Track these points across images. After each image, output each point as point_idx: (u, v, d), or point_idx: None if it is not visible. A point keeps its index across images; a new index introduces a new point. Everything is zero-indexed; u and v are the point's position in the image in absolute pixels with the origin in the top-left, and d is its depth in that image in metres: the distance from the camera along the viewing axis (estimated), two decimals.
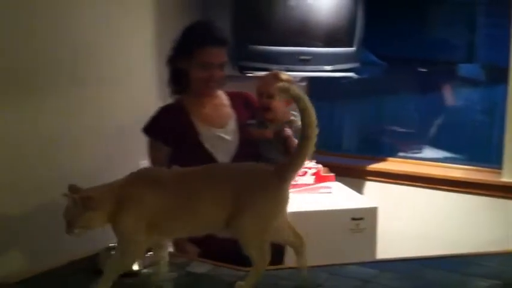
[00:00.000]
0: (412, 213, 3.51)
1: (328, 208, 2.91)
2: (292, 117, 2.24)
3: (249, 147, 2.25)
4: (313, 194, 3.07)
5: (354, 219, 2.89)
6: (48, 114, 2.40)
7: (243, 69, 3.01)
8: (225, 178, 1.68)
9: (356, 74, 3.21)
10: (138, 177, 1.66)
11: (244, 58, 3.01)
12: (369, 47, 3.60)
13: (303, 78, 3.28)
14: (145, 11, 2.89)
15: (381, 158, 3.81)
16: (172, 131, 2.20)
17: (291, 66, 3.03)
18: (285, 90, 1.64)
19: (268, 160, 2.13)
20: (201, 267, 1.87)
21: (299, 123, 2.14)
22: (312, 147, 1.67)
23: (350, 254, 2.81)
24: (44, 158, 2.37)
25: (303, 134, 1.66)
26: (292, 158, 1.69)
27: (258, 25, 3.04)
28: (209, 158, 2.18)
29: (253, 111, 2.34)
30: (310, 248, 2.76)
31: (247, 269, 1.90)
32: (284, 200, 1.71)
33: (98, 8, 2.62)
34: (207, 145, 2.20)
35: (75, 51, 2.53)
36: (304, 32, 3.09)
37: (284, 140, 2.17)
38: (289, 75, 2.30)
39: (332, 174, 3.15)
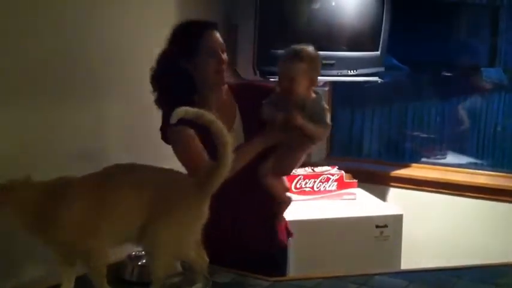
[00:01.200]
0: (437, 220, 3.44)
1: (352, 215, 2.87)
2: (313, 96, 2.06)
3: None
4: (336, 200, 3.03)
5: (378, 226, 2.84)
6: (73, 115, 2.38)
7: (265, 74, 2.96)
8: (142, 183, 1.59)
9: (380, 78, 3.15)
10: (52, 190, 1.55)
11: (266, 62, 2.95)
12: (390, 51, 3.53)
13: (326, 83, 3.23)
14: (167, 15, 2.85)
15: (405, 164, 3.74)
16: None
17: None
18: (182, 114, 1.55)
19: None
20: (225, 276, 1.83)
21: (322, 103, 2.05)
22: (230, 154, 1.56)
23: (374, 262, 2.78)
24: (78, 159, 2.32)
25: (217, 143, 1.57)
26: (212, 169, 1.58)
27: (281, 29, 2.99)
28: None
29: (257, 96, 2.13)
30: (334, 255, 2.75)
31: (272, 278, 1.87)
32: (203, 215, 1.60)
33: (121, 6, 2.60)
34: None
35: (101, 51, 2.51)
36: (327, 36, 3.04)
37: (297, 127, 2.00)
38: (314, 51, 2.09)
39: (355, 180, 3.11)
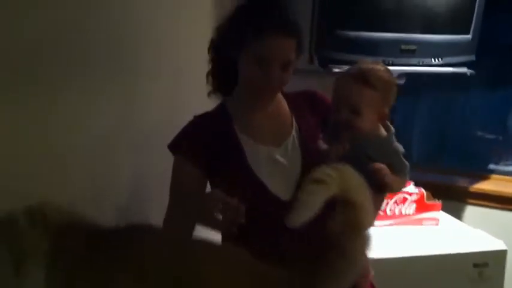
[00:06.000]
0: None
1: (442, 251, 2.16)
2: (382, 133, 1.52)
3: None
4: (415, 227, 2.34)
5: (476, 265, 2.15)
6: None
7: (326, 62, 2.27)
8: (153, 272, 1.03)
9: (471, 69, 2.45)
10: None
11: (328, 47, 2.27)
12: None
13: (402, 75, 2.51)
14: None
15: (481, 175, 3.03)
16: (207, 150, 1.53)
17: (390, 59, 2.29)
18: None
19: None
20: None
21: (395, 145, 1.50)
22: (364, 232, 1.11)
23: None
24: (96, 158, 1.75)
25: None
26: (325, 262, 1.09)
27: (347, 4, 2.28)
28: (259, 190, 1.49)
29: (324, 114, 1.62)
30: None
31: None
32: None
33: None
34: (257, 171, 1.50)
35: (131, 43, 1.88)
36: (406, 14, 2.34)
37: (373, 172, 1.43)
38: (388, 72, 1.53)
39: (438, 201, 2.41)
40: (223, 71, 1.59)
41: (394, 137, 1.53)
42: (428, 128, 3.43)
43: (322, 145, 1.54)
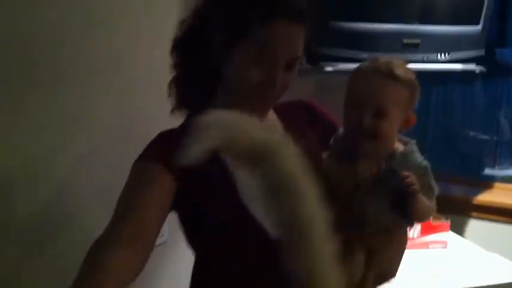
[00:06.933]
0: None
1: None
2: (399, 146, 1.19)
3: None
4: (420, 252, 2.01)
5: None
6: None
7: (316, 59, 1.92)
8: None
9: (481, 66, 2.12)
10: None
11: (318, 42, 1.90)
12: None
13: None
14: None
15: (482, 183, 2.71)
16: (185, 172, 1.10)
17: (391, 54, 1.94)
18: None
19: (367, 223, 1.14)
20: None
21: (419, 158, 1.17)
22: None
23: None
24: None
25: None
26: None
27: None
28: (252, 228, 1.09)
29: (325, 130, 1.29)
30: None
31: None
32: None
33: None
34: (252, 207, 1.13)
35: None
36: (410, 2, 2.00)
37: (404, 193, 1.11)
38: (407, 65, 1.19)
39: (446, 221, 2.08)
40: (197, 76, 1.20)
41: (417, 148, 1.20)
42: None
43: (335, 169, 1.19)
